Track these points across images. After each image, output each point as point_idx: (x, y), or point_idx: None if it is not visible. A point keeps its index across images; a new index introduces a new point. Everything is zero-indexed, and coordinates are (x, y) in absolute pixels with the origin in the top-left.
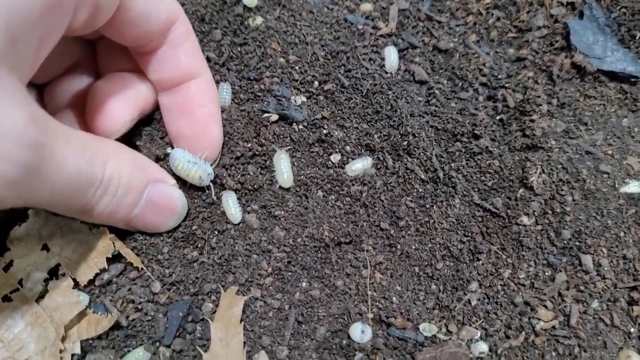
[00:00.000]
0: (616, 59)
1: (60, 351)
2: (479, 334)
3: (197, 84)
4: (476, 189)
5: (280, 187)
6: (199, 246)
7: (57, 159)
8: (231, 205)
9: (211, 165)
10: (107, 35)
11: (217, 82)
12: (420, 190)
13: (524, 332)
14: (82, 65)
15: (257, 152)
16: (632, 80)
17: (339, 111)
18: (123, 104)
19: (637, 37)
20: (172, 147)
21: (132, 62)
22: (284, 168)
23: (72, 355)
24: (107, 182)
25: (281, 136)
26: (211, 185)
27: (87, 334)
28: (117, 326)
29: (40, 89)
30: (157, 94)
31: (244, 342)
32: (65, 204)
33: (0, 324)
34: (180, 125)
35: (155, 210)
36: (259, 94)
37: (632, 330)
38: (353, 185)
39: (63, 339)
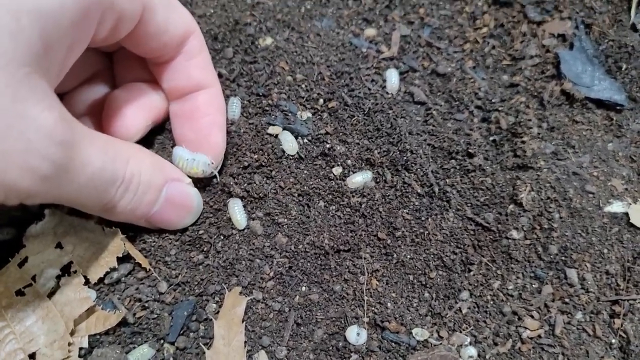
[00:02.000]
0: (603, 88)
1: (69, 344)
2: (468, 340)
3: (205, 94)
4: (469, 204)
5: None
6: (205, 250)
7: (83, 157)
8: (237, 211)
9: (214, 169)
10: (126, 47)
11: (228, 97)
12: (416, 203)
13: (511, 340)
14: (100, 76)
15: (263, 163)
16: (618, 108)
17: (342, 127)
18: (138, 112)
19: (623, 69)
20: None
21: (146, 73)
22: (290, 141)
23: (80, 349)
24: (128, 180)
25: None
26: (215, 173)
27: (95, 329)
28: (124, 323)
29: (60, 98)
30: (169, 102)
31: (245, 342)
32: (90, 201)
33: (13, 317)
34: (185, 131)
35: (173, 208)
36: (267, 108)
37: (613, 341)
38: (353, 196)
39: (72, 333)
